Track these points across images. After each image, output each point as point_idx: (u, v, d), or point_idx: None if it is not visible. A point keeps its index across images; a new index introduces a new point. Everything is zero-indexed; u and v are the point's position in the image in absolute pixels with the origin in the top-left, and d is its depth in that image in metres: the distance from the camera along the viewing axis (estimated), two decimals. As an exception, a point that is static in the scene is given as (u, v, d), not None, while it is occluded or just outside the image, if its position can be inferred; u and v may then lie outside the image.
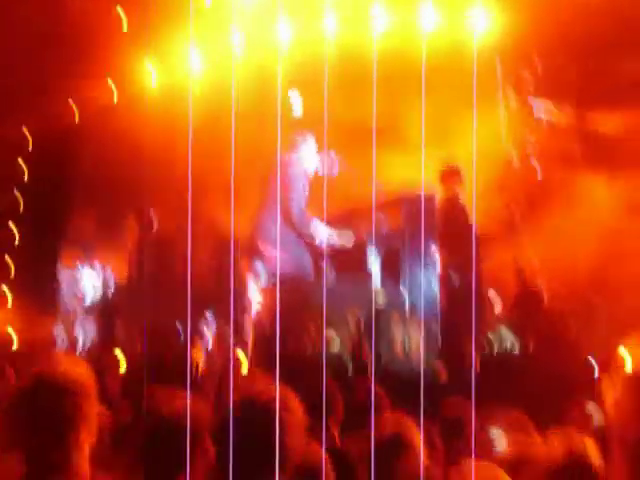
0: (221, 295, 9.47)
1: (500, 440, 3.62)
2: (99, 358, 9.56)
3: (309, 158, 9.99)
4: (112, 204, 11.46)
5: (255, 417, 2.23)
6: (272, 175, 9.52)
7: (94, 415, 2.19)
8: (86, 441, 2.15)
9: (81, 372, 2.21)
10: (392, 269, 9.45)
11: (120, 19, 10.10)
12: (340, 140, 9.71)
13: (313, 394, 4.74)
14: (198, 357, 9.01)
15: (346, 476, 3.25)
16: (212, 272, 10.23)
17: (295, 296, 9.01)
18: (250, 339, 9.22)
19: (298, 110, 10.69)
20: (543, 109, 10.33)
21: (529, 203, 10.06)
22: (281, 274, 8.96)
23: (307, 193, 9.98)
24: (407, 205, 9.40)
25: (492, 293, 9.80)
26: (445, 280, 9.11)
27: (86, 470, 2.10)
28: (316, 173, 9.86)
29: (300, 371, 7.56)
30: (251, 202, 9.79)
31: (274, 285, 9.23)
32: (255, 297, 9.71)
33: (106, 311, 11.05)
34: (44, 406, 2.09)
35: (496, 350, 9.13)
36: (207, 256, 10.50)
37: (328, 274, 9.48)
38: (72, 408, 2.12)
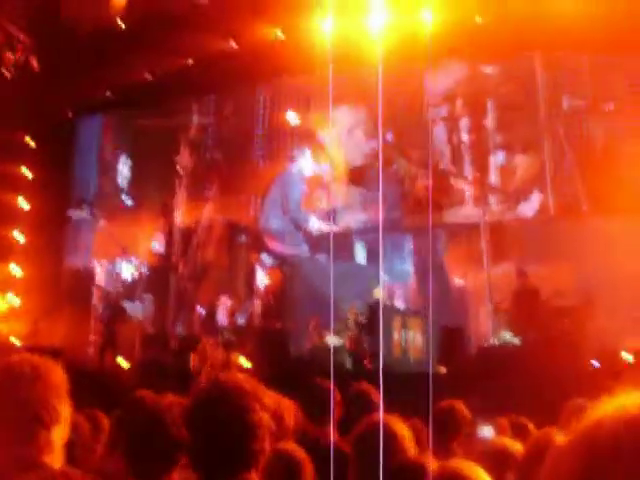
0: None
1: (487, 439, 3.59)
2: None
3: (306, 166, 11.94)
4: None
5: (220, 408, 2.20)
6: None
7: (67, 413, 2.16)
8: (59, 439, 2.12)
9: (53, 368, 2.18)
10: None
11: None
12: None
13: (310, 394, 4.72)
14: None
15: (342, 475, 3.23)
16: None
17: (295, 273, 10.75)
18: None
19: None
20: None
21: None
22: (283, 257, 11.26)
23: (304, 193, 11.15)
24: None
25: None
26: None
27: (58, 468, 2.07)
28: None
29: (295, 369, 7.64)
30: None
31: (279, 266, 11.09)
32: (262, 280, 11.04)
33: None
34: (11, 398, 2.07)
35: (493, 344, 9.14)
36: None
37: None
38: (43, 405, 2.09)
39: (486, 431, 3.83)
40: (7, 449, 2.04)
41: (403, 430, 3.08)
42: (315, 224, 12.10)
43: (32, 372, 2.12)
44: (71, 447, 2.28)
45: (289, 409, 3.98)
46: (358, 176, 12.42)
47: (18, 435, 2.07)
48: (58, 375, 2.19)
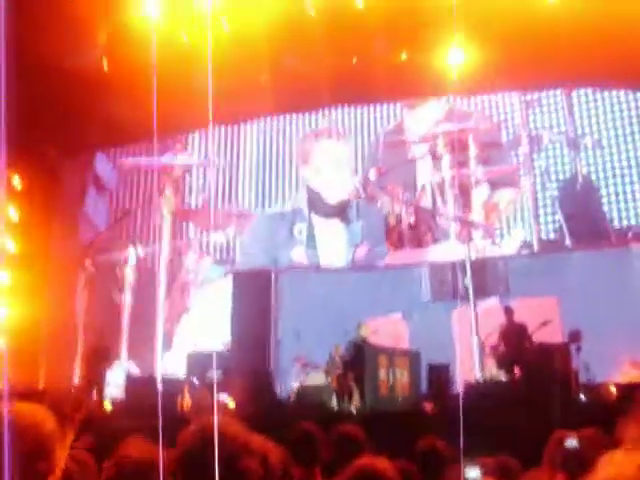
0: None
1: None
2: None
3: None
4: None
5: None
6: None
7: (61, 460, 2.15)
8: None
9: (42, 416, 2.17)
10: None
11: None
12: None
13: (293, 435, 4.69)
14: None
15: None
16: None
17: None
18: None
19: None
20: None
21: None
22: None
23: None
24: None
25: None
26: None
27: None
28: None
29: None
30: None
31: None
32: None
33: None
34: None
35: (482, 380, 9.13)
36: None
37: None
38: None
39: (472, 472, 3.80)
40: None
41: (390, 472, 3.06)
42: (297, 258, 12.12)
43: (24, 422, 2.11)
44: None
45: (275, 452, 3.96)
46: (339, 210, 12.48)
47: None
48: (50, 422, 2.18)
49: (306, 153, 12.74)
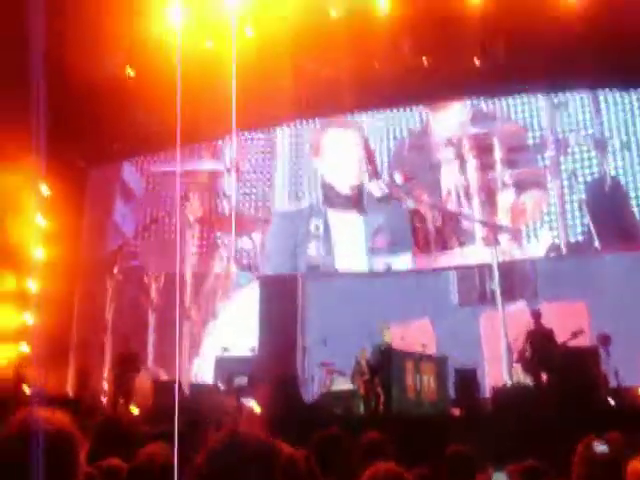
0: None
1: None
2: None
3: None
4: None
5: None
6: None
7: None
8: None
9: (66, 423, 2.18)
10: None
11: None
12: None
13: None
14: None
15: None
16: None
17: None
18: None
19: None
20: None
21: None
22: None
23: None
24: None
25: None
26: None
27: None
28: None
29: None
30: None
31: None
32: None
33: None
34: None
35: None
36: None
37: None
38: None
39: (500, 478, 3.77)
40: None
41: (404, 476, 3.02)
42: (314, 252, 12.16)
43: (48, 429, 2.13)
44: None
45: (300, 459, 3.95)
46: (355, 201, 12.46)
47: None
48: (73, 429, 2.20)
49: (316, 144, 12.78)
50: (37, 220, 12.31)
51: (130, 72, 10.32)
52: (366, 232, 12.31)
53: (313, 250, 12.31)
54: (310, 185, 13.18)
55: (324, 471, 4.45)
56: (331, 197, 12.56)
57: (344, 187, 12.53)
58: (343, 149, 12.55)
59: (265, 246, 12.88)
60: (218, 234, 13.50)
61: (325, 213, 12.51)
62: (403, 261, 12.24)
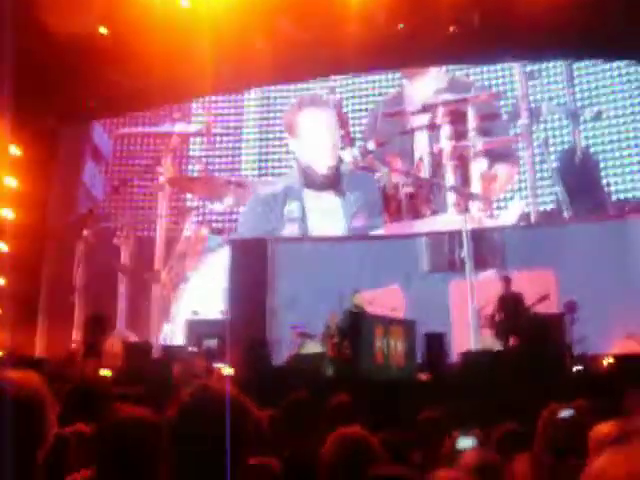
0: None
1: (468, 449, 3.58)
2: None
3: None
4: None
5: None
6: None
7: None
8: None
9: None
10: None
11: None
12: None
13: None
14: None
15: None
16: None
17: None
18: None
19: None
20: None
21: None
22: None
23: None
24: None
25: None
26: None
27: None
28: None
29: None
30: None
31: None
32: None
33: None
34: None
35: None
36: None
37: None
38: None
39: (467, 442, 3.81)
40: None
41: (370, 440, 3.03)
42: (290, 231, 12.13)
43: (17, 389, 2.12)
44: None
45: (264, 419, 3.98)
46: (332, 181, 12.44)
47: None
48: (42, 388, 2.20)
49: (292, 124, 12.70)
50: (5, 180, 12.15)
51: (103, 30, 10.16)
52: (344, 212, 12.32)
53: (287, 231, 12.29)
54: (283, 165, 13.12)
55: (292, 433, 4.49)
56: (308, 178, 12.49)
57: (321, 167, 12.47)
58: (320, 129, 12.46)
59: (239, 226, 12.82)
60: (189, 196, 13.44)
61: (301, 194, 12.46)
62: (374, 227, 12.29)
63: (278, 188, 12.75)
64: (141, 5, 9.74)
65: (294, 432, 4.39)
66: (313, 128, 12.48)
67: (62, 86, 11.03)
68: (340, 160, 12.42)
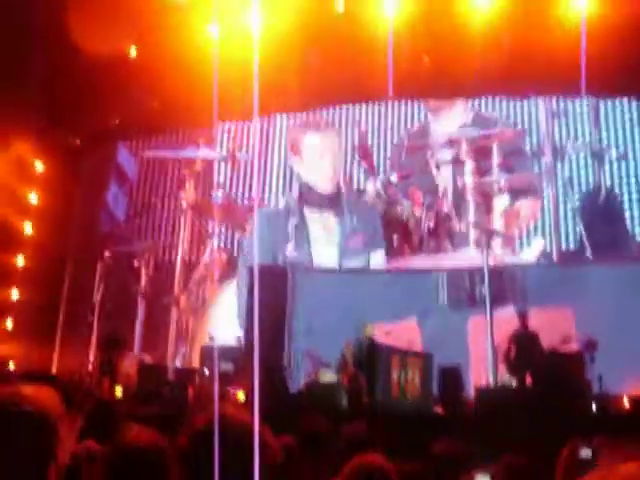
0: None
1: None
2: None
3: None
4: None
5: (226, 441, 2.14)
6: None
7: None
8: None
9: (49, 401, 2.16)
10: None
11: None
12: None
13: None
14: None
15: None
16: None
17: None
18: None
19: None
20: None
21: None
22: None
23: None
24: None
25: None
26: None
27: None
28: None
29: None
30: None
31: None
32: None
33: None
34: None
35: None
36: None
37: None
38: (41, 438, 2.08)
39: (483, 478, 3.77)
40: None
41: (387, 468, 3.01)
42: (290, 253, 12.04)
43: (30, 403, 2.11)
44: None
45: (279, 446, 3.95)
46: (332, 202, 12.32)
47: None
48: (57, 405, 2.18)
49: (295, 145, 12.59)
50: (29, 196, 12.25)
51: (134, 52, 10.30)
52: (341, 232, 12.20)
53: (290, 250, 12.17)
54: (285, 183, 13.11)
55: (308, 461, 4.45)
56: (308, 197, 12.36)
57: (323, 187, 12.34)
58: (324, 151, 12.35)
59: (246, 244, 12.76)
60: (210, 222, 13.48)
61: (302, 212, 12.35)
62: (377, 260, 12.17)
63: (280, 206, 12.71)
64: (173, 30, 9.88)
65: (310, 461, 4.36)
66: (319, 152, 12.35)
67: (89, 105, 11.16)
68: (348, 186, 12.36)
